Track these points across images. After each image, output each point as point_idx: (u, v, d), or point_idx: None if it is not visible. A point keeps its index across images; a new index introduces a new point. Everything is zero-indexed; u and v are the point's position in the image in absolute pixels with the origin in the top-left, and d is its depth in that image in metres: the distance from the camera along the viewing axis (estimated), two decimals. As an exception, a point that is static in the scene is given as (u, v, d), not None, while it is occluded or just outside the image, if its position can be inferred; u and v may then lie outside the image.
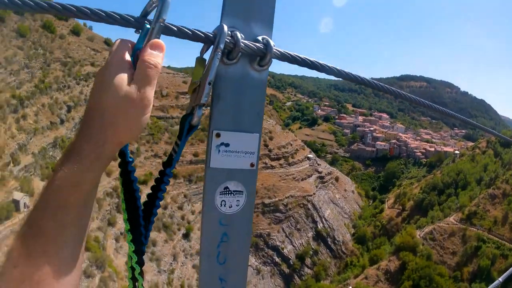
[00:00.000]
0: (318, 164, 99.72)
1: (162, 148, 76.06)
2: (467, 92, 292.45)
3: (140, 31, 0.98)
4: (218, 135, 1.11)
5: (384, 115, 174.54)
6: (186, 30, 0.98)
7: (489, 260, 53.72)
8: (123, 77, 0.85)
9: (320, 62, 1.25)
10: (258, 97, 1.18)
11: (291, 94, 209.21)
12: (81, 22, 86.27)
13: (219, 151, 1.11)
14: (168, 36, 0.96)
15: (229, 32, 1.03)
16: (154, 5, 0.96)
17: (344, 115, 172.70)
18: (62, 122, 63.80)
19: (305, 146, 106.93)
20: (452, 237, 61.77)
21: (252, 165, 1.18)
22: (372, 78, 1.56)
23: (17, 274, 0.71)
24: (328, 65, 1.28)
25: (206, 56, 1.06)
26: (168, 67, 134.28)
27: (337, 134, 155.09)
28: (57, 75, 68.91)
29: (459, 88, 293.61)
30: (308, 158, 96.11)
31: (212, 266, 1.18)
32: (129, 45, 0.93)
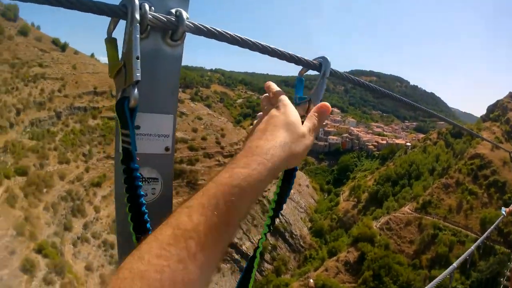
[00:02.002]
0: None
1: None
2: (416, 86, 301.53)
3: (297, 83, 1.27)
4: None
5: (336, 110, 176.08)
6: (90, 3, 0.87)
7: (446, 247, 54.95)
8: (299, 120, 1.01)
9: (241, 36, 1.15)
10: (172, 75, 1.09)
11: (242, 91, 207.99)
12: (29, 22, 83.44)
13: None
14: (71, 9, 0.87)
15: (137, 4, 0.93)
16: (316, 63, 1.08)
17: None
18: (11, 125, 60.96)
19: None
20: (408, 226, 62.89)
21: (167, 149, 1.11)
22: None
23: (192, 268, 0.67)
24: (251, 39, 1.18)
25: (115, 34, 1.01)
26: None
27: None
28: (6, 77, 66.19)
29: (409, 82, 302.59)
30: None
31: None
32: None
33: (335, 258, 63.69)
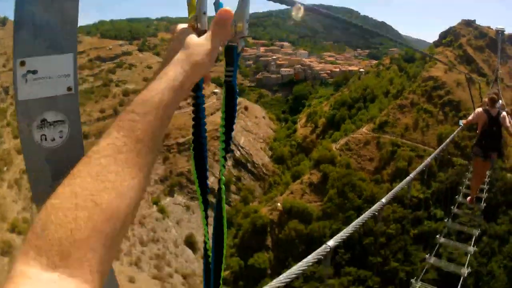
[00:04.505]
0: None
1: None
2: (367, 16, 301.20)
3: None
4: (23, 63, 0.93)
5: (286, 43, 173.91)
6: None
7: (405, 162, 57.66)
8: (194, 36, 0.97)
9: None
10: (69, 12, 0.98)
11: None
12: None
13: (26, 80, 0.95)
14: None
15: None
16: None
17: (246, 48, 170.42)
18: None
19: (210, 82, 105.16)
20: (367, 146, 65.22)
21: (69, 88, 1.03)
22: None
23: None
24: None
25: None
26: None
27: (240, 66, 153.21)
28: None
29: (359, 13, 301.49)
30: (214, 93, 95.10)
31: None
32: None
33: (299, 181, 65.75)
